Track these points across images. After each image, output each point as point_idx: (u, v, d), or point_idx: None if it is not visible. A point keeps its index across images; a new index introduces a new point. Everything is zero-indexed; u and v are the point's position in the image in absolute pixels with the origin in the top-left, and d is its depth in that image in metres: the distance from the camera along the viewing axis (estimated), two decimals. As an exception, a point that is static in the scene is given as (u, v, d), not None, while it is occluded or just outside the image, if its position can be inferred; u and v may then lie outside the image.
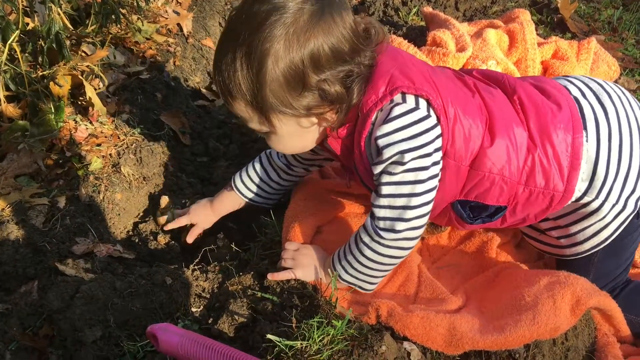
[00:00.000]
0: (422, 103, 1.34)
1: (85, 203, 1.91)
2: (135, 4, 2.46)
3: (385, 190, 1.35)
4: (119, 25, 2.28)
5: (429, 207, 1.37)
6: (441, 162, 1.38)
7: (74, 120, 2.07)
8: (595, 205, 1.45)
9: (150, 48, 2.56)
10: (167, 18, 2.74)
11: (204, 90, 2.67)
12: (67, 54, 1.89)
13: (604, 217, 1.47)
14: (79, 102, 2.12)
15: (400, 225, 1.35)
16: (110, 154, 2.06)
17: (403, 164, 1.32)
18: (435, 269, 1.67)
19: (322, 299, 1.44)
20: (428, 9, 2.48)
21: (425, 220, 1.39)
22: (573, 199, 1.46)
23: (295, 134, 1.41)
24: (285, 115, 1.33)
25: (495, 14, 2.69)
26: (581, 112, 1.46)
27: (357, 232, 1.44)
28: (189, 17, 2.84)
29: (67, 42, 1.91)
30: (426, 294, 1.53)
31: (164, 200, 2.04)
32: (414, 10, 2.67)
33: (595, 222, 1.48)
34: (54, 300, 1.49)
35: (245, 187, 1.85)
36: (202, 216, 1.90)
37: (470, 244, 1.72)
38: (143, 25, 2.57)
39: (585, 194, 1.45)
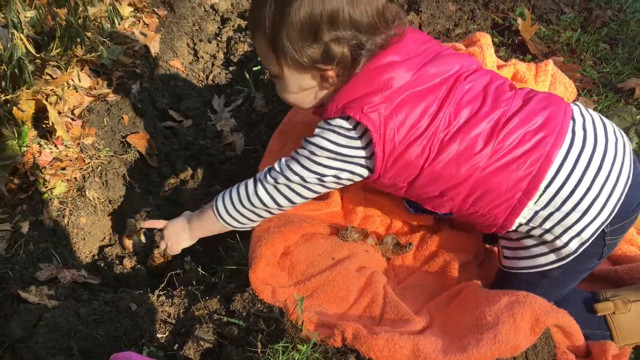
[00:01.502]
0: (360, 130, 1.45)
1: (49, 228, 1.89)
2: (101, 26, 2.45)
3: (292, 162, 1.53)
4: (84, 48, 2.27)
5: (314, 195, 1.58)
6: (348, 182, 1.55)
7: (38, 143, 2.05)
8: (536, 233, 1.50)
9: (117, 70, 2.56)
10: (134, 40, 2.74)
11: (171, 112, 2.67)
12: (30, 80, 1.88)
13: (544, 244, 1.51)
14: (44, 126, 2.10)
15: (282, 180, 1.52)
16: (75, 178, 2.04)
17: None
18: (401, 290, 1.69)
19: (288, 322, 1.45)
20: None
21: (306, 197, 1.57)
22: (513, 228, 1.51)
23: (295, 86, 1.50)
24: (293, 62, 1.41)
25: (458, 37, 2.76)
26: (565, 155, 1.43)
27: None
28: (156, 38, 2.84)
29: (31, 67, 1.90)
30: (391, 315, 1.55)
31: (130, 223, 2.03)
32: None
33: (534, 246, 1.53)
34: (16, 329, 1.47)
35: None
36: None
37: (433, 264, 1.75)
38: (109, 47, 2.57)
39: (528, 222, 1.49)
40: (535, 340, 1.41)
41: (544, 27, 3.00)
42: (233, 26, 3.29)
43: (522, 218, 1.49)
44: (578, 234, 1.46)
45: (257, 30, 1.43)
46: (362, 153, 1.48)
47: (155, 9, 3.02)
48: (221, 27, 3.34)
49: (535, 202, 1.45)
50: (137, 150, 2.33)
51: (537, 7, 3.14)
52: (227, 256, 1.79)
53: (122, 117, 2.37)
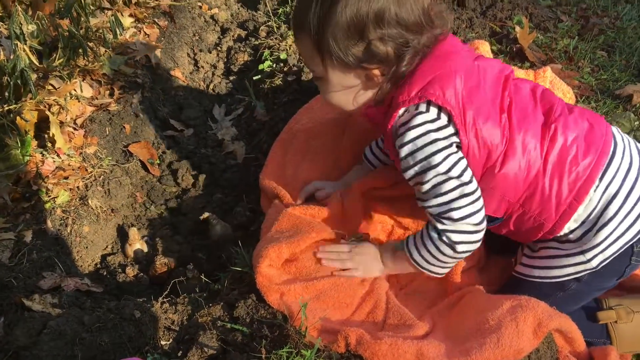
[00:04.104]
0: (444, 116, 1.41)
1: (52, 237, 1.90)
2: (102, 37, 2.47)
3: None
4: (86, 58, 2.29)
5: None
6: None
7: (41, 153, 2.07)
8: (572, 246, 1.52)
9: (119, 80, 2.58)
10: (135, 50, 2.76)
11: (172, 121, 2.69)
12: (33, 90, 1.90)
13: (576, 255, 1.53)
14: (46, 135, 2.12)
15: (455, 214, 1.43)
16: (77, 187, 2.06)
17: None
18: (403, 295, 1.69)
19: (291, 328, 1.46)
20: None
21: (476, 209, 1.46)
22: (561, 233, 1.52)
23: (339, 87, 1.48)
24: (338, 62, 1.40)
25: (457, 44, 2.78)
26: (608, 164, 1.48)
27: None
28: (157, 48, 2.86)
29: (34, 77, 1.92)
30: (394, 320, 1.56)
31: (133, 232, 2.04)
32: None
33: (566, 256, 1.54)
34: (21, 337, 1.47)
35: (374, 157, 1.92)
36: (329, 188, 1.95)
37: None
38: (111, 57, 2.59)
39: (571, 232, 1.51)
40: (538, 345, 1.41)
41: (542, 35, 3.02)
42: (233, 36, 3.32)
43: (572, 222, 1.50)
44: (602, 251, 1.49)
45: (302, 32, 1.42)
46: (452, 130, 1.43)
47: (156, 20, 3.04)
48: (221, 37, 3.37)
49: (584, 207, 1.47)
50: (139, 159, 2.34)
51: (535, 15, 3.17)
52: (230, 263, 1.80)
53: (124, 127, 2.38)
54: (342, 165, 2.03)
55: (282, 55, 2.84)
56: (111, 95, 2.48)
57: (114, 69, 2.59)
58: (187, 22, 3.27)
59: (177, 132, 2.66)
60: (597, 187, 1.46)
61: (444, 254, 1.50)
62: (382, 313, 1.59)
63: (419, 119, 1.41)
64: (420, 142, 1.41)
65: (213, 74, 3.12)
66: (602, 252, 1.49)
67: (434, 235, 1.48)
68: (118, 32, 2.22)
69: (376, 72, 1.43)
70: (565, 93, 2.23)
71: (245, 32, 3.33)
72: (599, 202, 1.47)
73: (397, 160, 1.49)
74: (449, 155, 1.42)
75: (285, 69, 2.78)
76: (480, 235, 1.49)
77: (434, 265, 1.54)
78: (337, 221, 1.87)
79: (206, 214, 2.11)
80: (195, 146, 2.61)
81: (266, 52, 2.94)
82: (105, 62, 2.42)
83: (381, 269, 1.65)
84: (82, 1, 2.25)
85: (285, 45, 2.90)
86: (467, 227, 1.45)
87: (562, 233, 1.53)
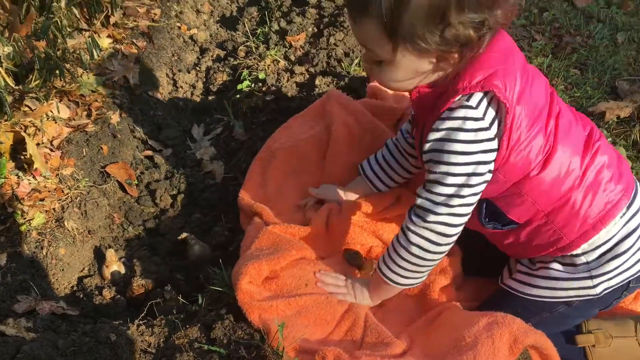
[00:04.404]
0: (489, 117, 1.36)
1: (27, 259, 1.88)
2: (80, 58, 2.47)
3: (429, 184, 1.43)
4: (63, 80, 2.28)
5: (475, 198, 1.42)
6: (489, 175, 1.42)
7: (17, 175, 2.05)
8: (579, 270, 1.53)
9: (96, 100, 2.57)
10: (113, 70, 2.76)
11: (151, 141, 2.68)
12: (9, 112, 1.89)
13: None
14: (22, 157, 2.10)
15: (440, 209, 1.40)
16: (53, 209, 2.04)
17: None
18: (381, 314, 1.70)
19: (269, 349, 1.45)
20: (369, 59, 2.59)
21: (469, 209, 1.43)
22: (573, 253, 1.52)
23: (408, 71, 1.39)
24: (414, 47, 1.30)
25: (433, 63, 2.83)
26: (634, 197, 1.51)
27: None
28: (136, 69, 2.86)
29: (9, 99, 1.91)
30: (372, 338, 1.56)
31: (110, 253, 2.03)
32: (356, 60, 2.78)
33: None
34: (-7, 363, 1.45)
35: (373, 174, 1.90)
36: (332, 191, 1.97)
37: (414, 287, 1.76)
38: (89, 78, 2.58)
39: (584, 254, 1.52)
40: (514, 361, 1.42)
41: (516, 54, 3.08)
42: (212, 56, 3.33)
43: (587, 245, 1.50)
44: (609, 279, 1.51)
45: (365, 16, 1.30)
46: (491, 134, 1.38)
47: (135, 40, 3.05)
48: (200, 57, 3.38)
49: (606, 232, 1.48)
50: (117, 180, 2.33)
51: (509, 34, 3.22)
52: (208, 283, 1.79)
53: (102, 148, 2.37)
54: (329, 182, 2.05)
55: (261, 75, 2.86)
56: (88, 116, 2.47)
57: (91, 90, 2.58)
58: (166, 42, 3.28)
59: (156, 152, 2.66)
60: (623, 215, 1.48)
61: (415, 255, 1.47)
62: (360, 331, 1.59)
63: (462, 112, 1.36)
64: (453, 135, 1.37)
65: (192, 94, 3.12)
66: (608, 280, 1.51)
67: (402, 238, 1.48)
68: (95, 54, 2.22)
69: (455, 55, 1.34)
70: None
71: (224, 52, 3.35)
72: (619, 231, 1.49)
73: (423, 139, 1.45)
74: (472, 163, 1.38)
75: (264, 88, 2.80)
76: (448, 248, 1.48)
77: (405, 272, 1.52)
78: (318, 241, 1.88)
79: (184, 234, 2.10)
80: (174, 166, 2.60)
81: (245, 72, 2.95)
82: (83, 83, 2.41)
83: (369, 302, 1.66)
84: (59, 23, 2.25)
85: (264, 65, 2.92)
86: (439, 230, 1.43)
87: (574, 252, 1.52)
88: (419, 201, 1.44)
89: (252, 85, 2.84)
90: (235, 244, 2.03)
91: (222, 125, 2.83)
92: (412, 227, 1.45)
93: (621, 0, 3.65)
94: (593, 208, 1.47)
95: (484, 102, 1.36)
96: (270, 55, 2.97)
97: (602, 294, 1.52)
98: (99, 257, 2.09)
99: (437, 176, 1.40)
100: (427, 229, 1.43)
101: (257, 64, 2.96)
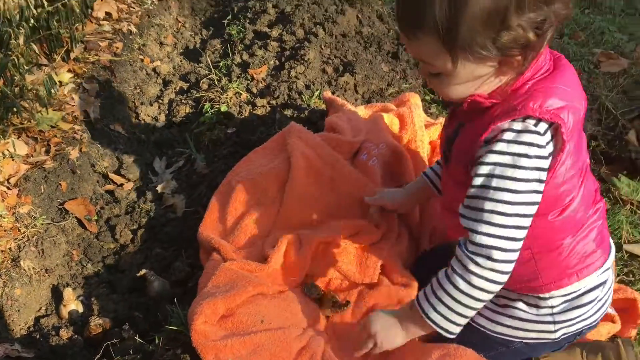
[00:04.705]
0: (550, 147, 1.31)
1: (-19, 302, 1.85)
2: (37, 94, 2.47)
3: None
4: (20, 117, 2.27)
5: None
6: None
7: (-29, 215, 2.03)
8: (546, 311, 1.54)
9: (56, 136, 2.56)
10: (73, 105, 2.75)
11: (112, 175, 2.68)
12: (-38, 152, 1.88)
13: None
14: (-23, 196, 2.08)
15: (497, 254, 1.32)
16: (9, 248, 2.02)
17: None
18: (337, 349, 1.71)
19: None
20: (328, 93, 2.63)
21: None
22: (540, 295, 1.52)
23: (469, 78, 1.32)
24: (474, 55, 1.24)
25: (391, 95, 2.88)
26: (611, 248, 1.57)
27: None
28: (97, 103, 2.87)
29: (-36, 138, 1.90)
30: (329, 374, 1.57)
31: (67, 292, 2.01)
32: (316, 93, 2.83)
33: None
34: (-58, 412, 1.42)
35: (434, 175, 1.85)
36: (388, 196, 1.97)
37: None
38: (48, 113, 2.57)
39: (552, 298, 1.52)
40: (466, 393, 1.45)
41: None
42: (175, 88, 3.35)
43: (560, 290, 1.50)
44: (570, 326, 1.53)
45: (421, 31, 1.24)
46: (546, 165, 1.32)
47: (96, 74, 3.05)
48: (163, 89, 3.40)
49: (579, 284, 1.49)
50: (75, 217, 2.32)
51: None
52: (165, 322, 1.78)
53: (60, 184, 2.36)
54: (286, 215, 2.07)
55: (223, 108, 2.88)
56: (47, 152, 2.46)
57: (51, 125, 2.57)
58: (129, 75, 3.29)
59: (117, 187, 2.65)
60: (599, 274, 1.51)
61: (476, 299, 1.38)
62: (317, 367, 1.60)
63: (529, 137, 1.29)
64: (518, 162, 1.29)
65: (154, 127, 3.13)
66: (568, 327, 1.53)
67: (462, 284, 1.36)
68: (53, 91, 2.22)
69: (518, 58, 1.27)
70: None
71: (187, 84, 3.37)
72: (589, 284, 1.51)
73: (466, 156, 1.39)
74: (531, 191, 1.32)
75: (226, 121, 2.83)
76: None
77: (462, 321, 1.43)
78: (276, 275, 1.89)
79: (143, 271, 2.09)
80: (135, 200, 2.60)
81: (207, 104, 2.98)
82: (41, 119, 2.40)
83: (403, 335, 1.51)
84: (17, 60, 2.25)
85: (226, 98, 2.95)
86: (504, 269, 1.35)
87: (541, 295, 1.52)
88: (479, 238, 1.33)
89: (214, 118, 2.87)
90: (194, 279, 2.03)
91: (184, 158, 2.84)
92: (476, 270, 1.33)
93: (572, 31, 3.79)
94: (574, 259, 1.47)
95: (549, 133, 1.31)
96: (233, 87, 3.00)
97: (559, 339, 1.55)
98: (57, 296, 2.07)
99: (498, 206, 1.31)
100: (492, 269, 1.33)
101: (220, 97, 2.99)
